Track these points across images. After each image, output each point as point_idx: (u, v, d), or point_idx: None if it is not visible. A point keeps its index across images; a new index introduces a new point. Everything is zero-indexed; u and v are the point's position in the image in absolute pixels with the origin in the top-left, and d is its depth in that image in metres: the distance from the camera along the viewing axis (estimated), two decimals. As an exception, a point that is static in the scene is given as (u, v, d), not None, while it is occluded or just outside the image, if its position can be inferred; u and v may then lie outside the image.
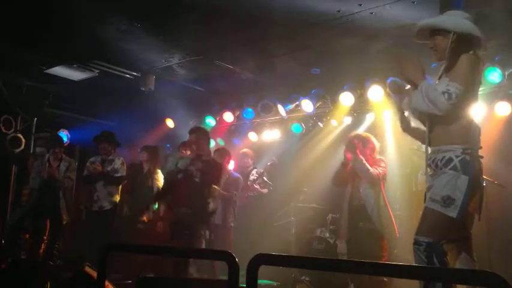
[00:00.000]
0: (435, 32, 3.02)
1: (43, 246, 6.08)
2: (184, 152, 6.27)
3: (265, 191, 6.98)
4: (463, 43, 2.91)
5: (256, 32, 5.43)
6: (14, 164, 7.34)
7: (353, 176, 4.92)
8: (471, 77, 2.85)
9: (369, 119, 6.99)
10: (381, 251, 4.57)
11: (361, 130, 7.12)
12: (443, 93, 2.74)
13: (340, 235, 5.06)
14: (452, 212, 2.74)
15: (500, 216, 5.19)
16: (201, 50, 6.06)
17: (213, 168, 4.84)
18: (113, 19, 5.21)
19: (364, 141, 4.99)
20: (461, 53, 2.88)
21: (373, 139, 5.15)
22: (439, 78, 3.04)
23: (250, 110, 7.72)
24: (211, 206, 4.89)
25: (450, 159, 2.81)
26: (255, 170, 7.05)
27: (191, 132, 5.08)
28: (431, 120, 2.98)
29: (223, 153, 6.51)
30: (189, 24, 5.28)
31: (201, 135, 5.04)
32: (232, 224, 6.41)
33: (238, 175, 6.66)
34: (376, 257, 4.43)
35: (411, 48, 3.24)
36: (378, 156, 5.04)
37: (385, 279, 4.51)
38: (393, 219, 4.78)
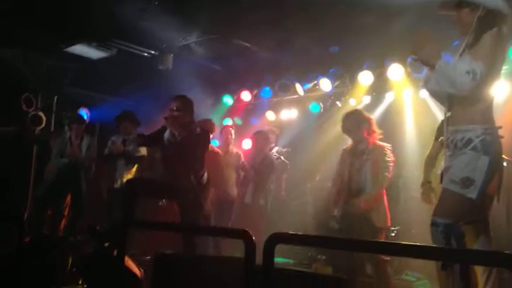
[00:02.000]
0: (462, 4, 2.91)
1: (63, 221, 6.22)
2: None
3: (284, 176, 6.94)
4: (489, 19, 2.82)
5: (274, 10, 5.37)
6: (35, 142, 7.44)
7: (352, 158, 4.61)
8: (495, 56, 2.77)
9: (388, 98, 6.91)
10: (377, 233, 4.39)
11: (380, 110, 7.05)
12: (468, 72, 2.65)
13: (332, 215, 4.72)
14: (472, 194, 2.71)
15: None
16: (218, 28, 6.04)
17: (197, 140, 4.62)
18: (131, -3, 5.22)
19: (358, 121, 4.57)
20: (485, 29, 2.79)
21: (365, 114, 4.71)
22: (460, 55, 2.96)
23: (268, 88, 7.68)
24: (205, 176, 4.74)
25: (470, 140, 2.75)
26: (277, 148, 7.00)
27: (176, 99, 4.72)
28: (451, 99, 2.92)
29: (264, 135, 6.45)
30: (207, 2, 5.24)
31: (186, 103, 4.73)
32: (261, 204, 6.25)
33: (273, 158, 6.51)
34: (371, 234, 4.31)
35: (433, 26, 3.16)
36: (379, 140, 4.59)
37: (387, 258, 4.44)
38: (387, 208, 4.50)
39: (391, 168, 4.50)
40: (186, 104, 4.72)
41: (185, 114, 4.65)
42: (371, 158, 4.46)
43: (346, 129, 4.62)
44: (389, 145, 4.60)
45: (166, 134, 4.70)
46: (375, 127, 4.63)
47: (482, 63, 2.67)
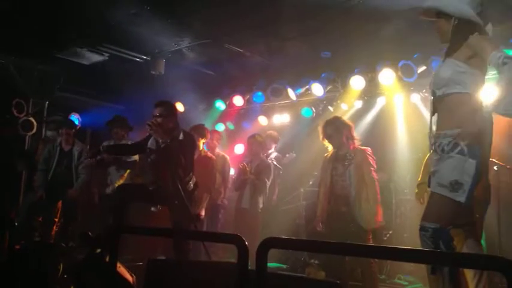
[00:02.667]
0: (439, 14, 2.99)
1: (54, 228, 6.17)
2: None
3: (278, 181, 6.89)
4: (466, 26, 2.89)
5: (266, 15, 5.39)
6: (25, 148, 7.39)
7: (334, 163, 4.68)
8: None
9: (379, 103, 6.94)
10: (364, 235, 4.45)
11: (372, 114, 7.10)
12: (499, 58, 2.68)
13: (317, 219, 4.77)
14: (461, 197, 2.73)
15: (511, 200, 5.16)
16: (210, 33, 6.04)
17: (180, 147, 4.56)
18: (123, 2, 5.20)
19: (341, 128, 4.65)
20: (465, 35, 2.86)
21: (345, 120, 4.79)
22: (443, 61, 3.01)
23: (260, 93, 7.69)
24: (192, 182, 4.69)
25: (456, 144, 2.78)
26: (275, 154, 6.96)
27: (159, 104, 4.70)
28: (436, 103, 2.96)
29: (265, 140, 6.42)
30: (199, 7, 5.25)
31: (169, 109, 4.71)
32: (259, 210, 6.10)
33: (269, 162, 6.41)
34: (359, 239, 4.33)
35: (423, 31, 3.20)
36: (359, 143, 4.69)
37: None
38: (379, 209, 4.55)
39: (375, 168, 4.61)
40: (169, 110, 4.71)
41: (168, 120, 4.63)
42: (354, 162, 4.54)
43: (328, 134, 4.66)
44: (369, 148, 4.70)
45: (150, 142, 4.70)
46: (354, 134, 4.72)
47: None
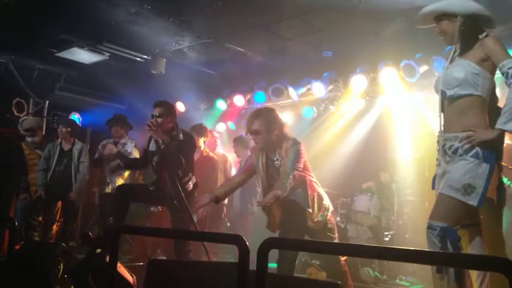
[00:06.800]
0: (440, 16, 2.95)
1: (55, 227, 6.15)
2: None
3: None
4: (473, 24, 2.86)
5: (267, 15, 5.37)
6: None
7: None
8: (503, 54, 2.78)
9: (381, 102, 6.92)
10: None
11: (373, 114, 7.07)
12: (509, 68, 2.67)
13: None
14: (473, 200, 2.71)
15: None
16: (211, 32, 6.02)
17: (180, 147, 4.53)
18: (123, 1, 5.19)
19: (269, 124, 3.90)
20: (474, 35, 2.83)
21: (274, 113, 4.02)
22: (451, 61, 2.97)
23: (261, 93, 7.67)
24: (191, 183, 4.66)
25: (472, 147, 2.76)
26: None
27: (158, 104, 4.67)
28: (446, 103, 2.93)
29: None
30: (200, 6, 5.23)
31: (169, 109, 4.70)
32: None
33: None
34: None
35: (424, 31, 3.17)
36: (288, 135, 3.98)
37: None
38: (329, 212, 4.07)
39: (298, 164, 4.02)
40: (169, 110, 4.70)
41: (168, 120, 4.64)
42: None
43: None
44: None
45: (151, 144, 4.69)
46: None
47: (509, 59, 2.69)
